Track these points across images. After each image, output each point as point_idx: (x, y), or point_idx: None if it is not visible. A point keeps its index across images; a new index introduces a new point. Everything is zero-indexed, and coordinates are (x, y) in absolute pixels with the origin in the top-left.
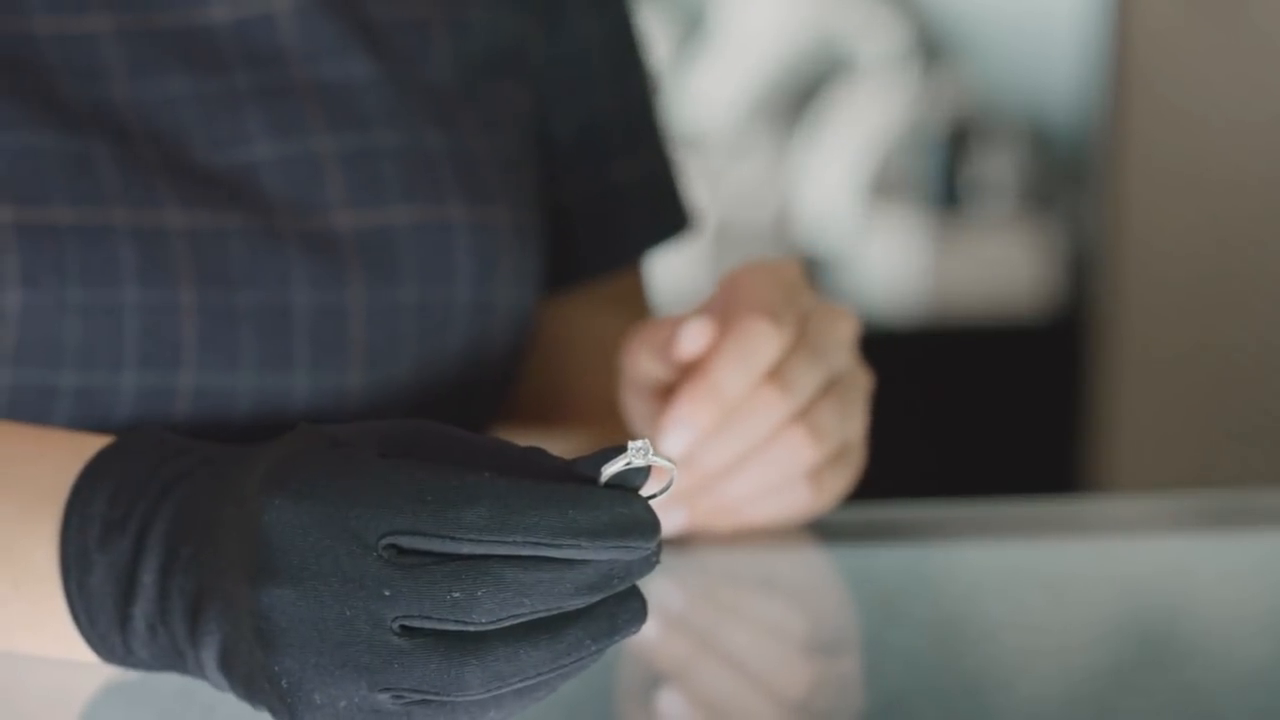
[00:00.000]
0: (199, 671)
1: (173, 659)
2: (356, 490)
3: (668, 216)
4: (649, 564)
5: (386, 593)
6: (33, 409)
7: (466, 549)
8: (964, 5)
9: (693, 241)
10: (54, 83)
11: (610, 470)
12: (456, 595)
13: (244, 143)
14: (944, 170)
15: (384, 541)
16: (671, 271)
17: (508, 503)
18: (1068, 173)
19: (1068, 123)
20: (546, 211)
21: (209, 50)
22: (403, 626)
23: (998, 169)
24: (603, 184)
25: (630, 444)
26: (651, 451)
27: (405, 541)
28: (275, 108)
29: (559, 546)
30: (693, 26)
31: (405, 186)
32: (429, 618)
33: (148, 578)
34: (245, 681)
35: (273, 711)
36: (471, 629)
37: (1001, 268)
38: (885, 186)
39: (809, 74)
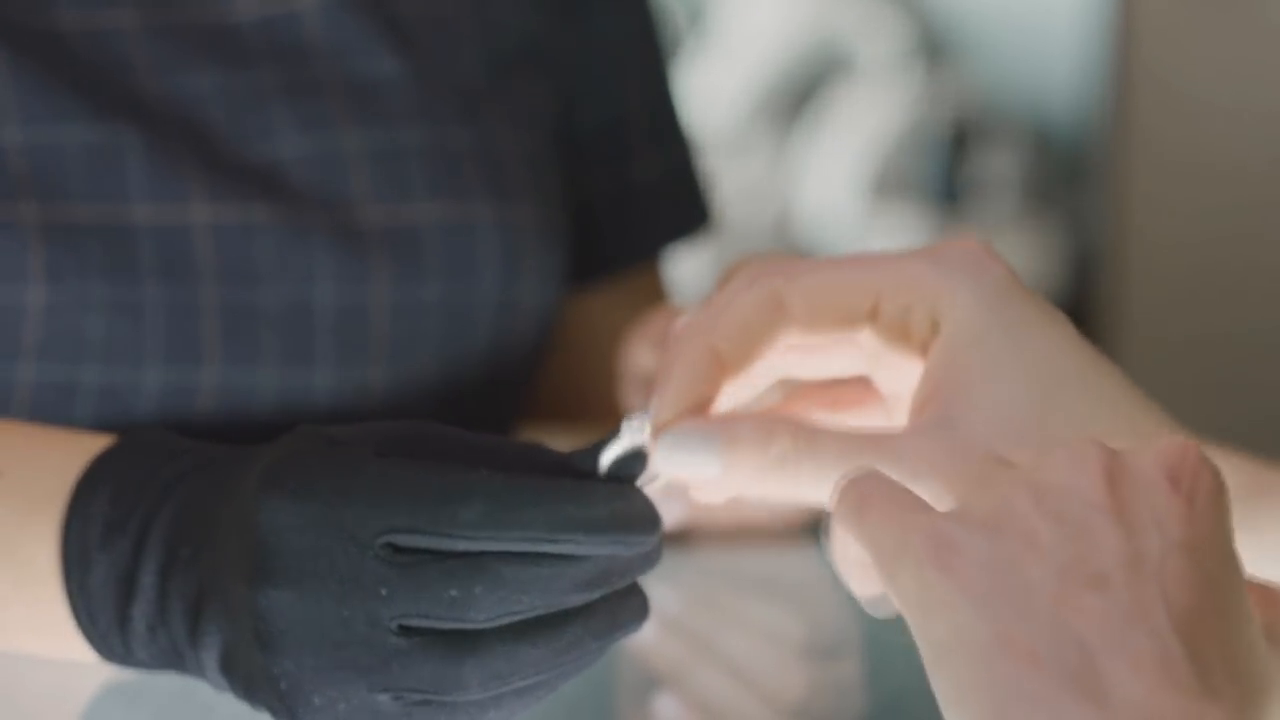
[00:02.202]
0: (200, 672)
1: (173, 660)
2: (352, 489)
3: (688, 212)
4: (650, 560)
5: (383, 592)
6: (55, 405)
7: (463, 546)
8: (965, 4)
9: (702, 239)
10: (81, 76)
11: (609, 455)
12: (454, 593)
13: (271, 138)
14: (946, 169)
15: (381, 540)
16: (672, 271)
17: (503, 499)
18: (1070, 171)
19: (1070, 121)
20: (570, 208)
21: (235, 46)
22: (401, 626)
23: (1000, 168)
24: (625, 180)
25: (624, 422)
26: (648, 427)
27: (402, 540)
28: (302, 104)
29: (556, 542)
30: (693, 26)
31: (431, 183)
32: (427, 616)
33: (147, 579)
34: (245, 682)
35: (273, 713)
36: (470, 627)
37: None
38: (887, 186)
39: (809, 74)
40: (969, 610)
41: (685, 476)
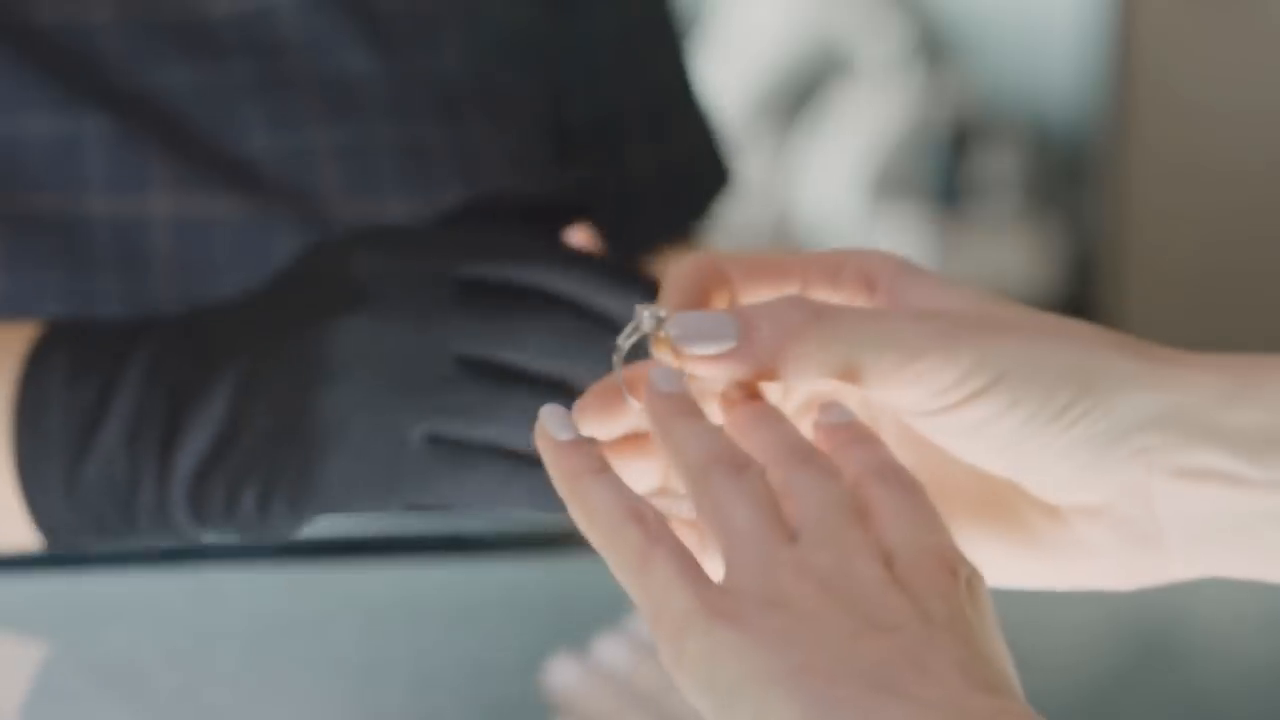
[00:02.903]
0: (153, 504)
1: (120, 500)
2: (431, 238)
3: (682, 209)
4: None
5: (453, 321)
6: None
7: (528, 279)
8: (965, 4)
9: (695, 234)
10: (53, 69)
11: (625, 343)
12: (513, 329)
13: (241, 134)
14: (946, 170)
15: (455, 277)
16: None
17: (564, 251)
18: (1070, 171)
19: (1070, 121)
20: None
21: (209, 40)
22: (459, 359)
23: (1000, 168)
24: (616, 176)
25: (637, 309)
26: (661, 312)
27: (472, 273)
28: (273, 100)
29: (612, 292)
30: (693, 26)
31: (401, 180)
32: (486, 348)
33: (122, 400)
34: (230, 486)
35: (281, 491)
36: (519, 364)
37: (1004, 267)
38: (887, 186)
39: (809, 74)
40: (764, 652)
41: (703, 356)
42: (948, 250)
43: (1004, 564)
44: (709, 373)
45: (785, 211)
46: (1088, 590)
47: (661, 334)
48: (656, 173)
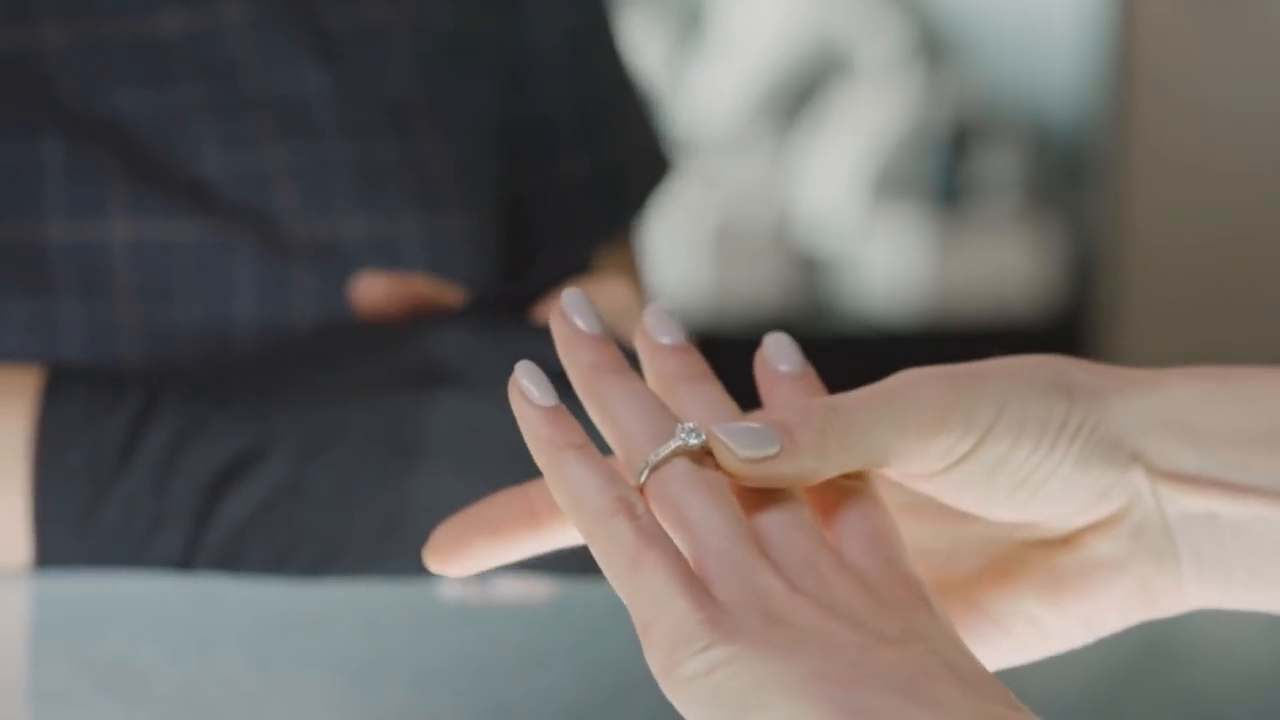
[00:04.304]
0: (172, 544)
1: (137, 535)
2: (522, 325)
3: (618, 206)
4: None
5: None
6: None
7: None
8: (965, 4)
9: (694, 243)
10: (7, 94)
11: (661, 455)
12: None
13: (196, 156)
14: (946, 170)
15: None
16: (673, 272)
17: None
18: (1070, 172)
19: (1070, 121)
20: (505, 207)
21: (160, 62)
22: None
23: (1000, 169)
24: (551, 179)
25: (678, 427)
26: (699, 431)
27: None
28: (227, 121)
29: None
30: (691, 26)
31: (357, 198)
32: None
33: (151, 441)
34: (282, 539)
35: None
36: None
37: (1004, 268)
38: (887, 187)
39: (809, 74)
40: (776, 660)
41: (757, 460)
42: (948, 250)
43: (1034, 621)
44: (757, 480)
45: (785, 211)
46: (1114, 630)
47: (701, 444)
48: (592, 174)
